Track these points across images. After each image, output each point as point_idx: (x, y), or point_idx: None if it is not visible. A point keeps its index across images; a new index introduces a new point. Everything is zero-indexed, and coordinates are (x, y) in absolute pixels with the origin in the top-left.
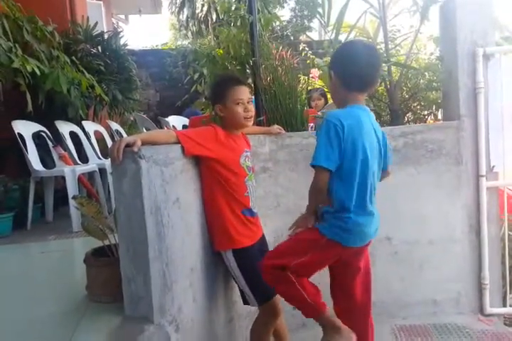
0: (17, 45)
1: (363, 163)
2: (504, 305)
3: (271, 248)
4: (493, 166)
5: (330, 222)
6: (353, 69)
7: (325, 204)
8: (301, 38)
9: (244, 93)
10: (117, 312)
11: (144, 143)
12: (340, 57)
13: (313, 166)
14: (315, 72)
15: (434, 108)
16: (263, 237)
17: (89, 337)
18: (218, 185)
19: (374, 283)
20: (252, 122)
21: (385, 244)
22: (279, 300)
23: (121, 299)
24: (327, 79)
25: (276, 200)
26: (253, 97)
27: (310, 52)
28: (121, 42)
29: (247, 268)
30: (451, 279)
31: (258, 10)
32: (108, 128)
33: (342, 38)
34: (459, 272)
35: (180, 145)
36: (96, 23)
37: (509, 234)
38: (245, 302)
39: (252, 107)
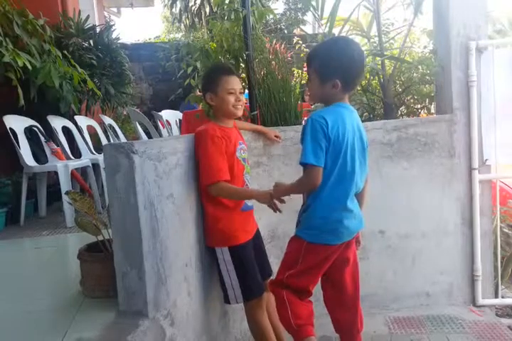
0: (7, 39)
1: (343, 162)
2: (496, 296)
3: (265, 243)
4: (486, 159)
5: (306, 225)
6: (355, 70)
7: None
8: (294, 31)
9: (237, 83)
10: (112, 307)
11: None
12: (344, 61)
13: (304, 164)
14: None
15: (427, 101)
16: (258, 231)
17: (84, 331)
18: None
19: (367, 275)
20: (243, 113)
21: (379, 238)
22: (267, 297)
23: (116, 294)
24: (314, 77)
25: None
26: (247, 91)
27: (304, 45)
28: (114, 35)
29: (241, 264)
30: (443, 271)
31: (251, 3)
32: (101, 123)
33: (336, 31)
34: (451, 264)
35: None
36: (87, 17)
37: (501, 226)
38: (226, 300)
39: (242, 97)
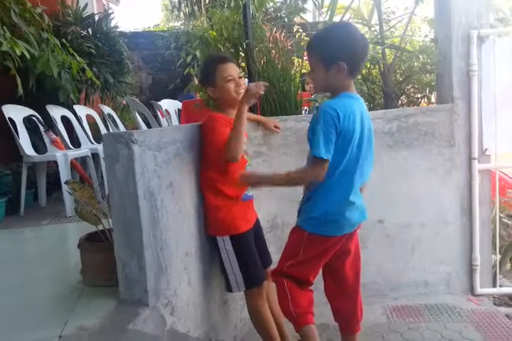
0: (5, 28)
1: (350, 154)
2: (494, 286)
3: (265, 232)
4: (486, 149)
5: (308, 216)
6: (360, 51)
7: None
8: (295, 19)
9: (234, 69)
10: (112, 296)
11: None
12: (347, 42)
13: (315, 157)
14: None
15: (427, 91)
16: (258, 221)
17: (85, 320)
18: (219, 171)
19: (366, 264)
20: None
21: (378, 227)
22: (267, 285)
23: (116, 283)
24: (317, 64)
25: None
26: (246, 80)
27: (304, 34)
28: (112, 24)
29: (242, 252)
30: (442, 261)
31: None
32: (100, 113)
33: (336, 19)
34: (450, 254)
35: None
36: (86, 5)
37: (500, 216)
38: (229, 288)
39: (243, 81)
